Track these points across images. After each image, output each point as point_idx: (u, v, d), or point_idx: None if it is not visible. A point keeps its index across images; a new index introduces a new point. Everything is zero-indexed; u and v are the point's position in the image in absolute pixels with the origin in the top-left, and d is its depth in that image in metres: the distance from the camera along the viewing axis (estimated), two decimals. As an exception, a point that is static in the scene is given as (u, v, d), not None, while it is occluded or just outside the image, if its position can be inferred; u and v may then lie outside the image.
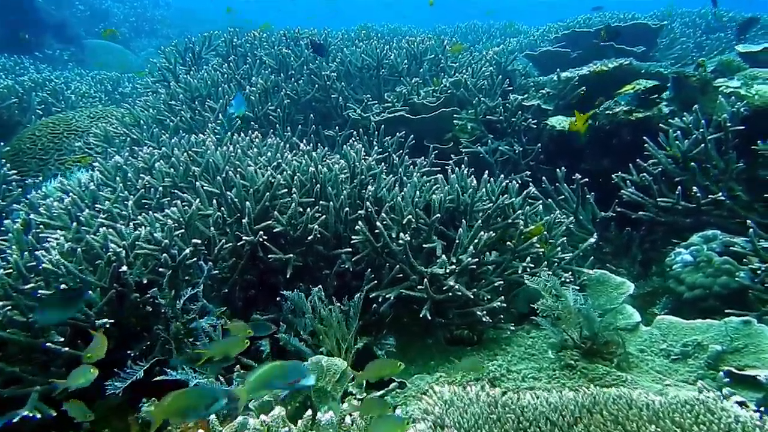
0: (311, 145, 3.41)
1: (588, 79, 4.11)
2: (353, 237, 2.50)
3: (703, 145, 2.76)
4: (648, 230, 3.01)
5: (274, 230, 2.48)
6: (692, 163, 2.77)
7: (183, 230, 2.31)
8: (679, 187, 2.75)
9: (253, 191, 2.56)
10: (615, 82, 3.93)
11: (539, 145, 3.87)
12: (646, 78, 3.81)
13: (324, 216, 2.55)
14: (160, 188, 2.68)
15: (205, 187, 2.56)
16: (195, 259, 2.28)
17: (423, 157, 3.58)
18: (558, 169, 3.24)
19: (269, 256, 2.45)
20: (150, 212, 2.40)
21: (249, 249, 2.46)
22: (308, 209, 2.49)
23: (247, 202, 2.43)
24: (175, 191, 2.68)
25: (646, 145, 3.00)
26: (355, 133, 3.82)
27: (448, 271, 2.39)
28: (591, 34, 5.49)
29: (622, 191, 3.01)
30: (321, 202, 2.64)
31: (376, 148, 3.51)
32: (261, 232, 2.42)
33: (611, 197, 3.19)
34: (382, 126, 3.84)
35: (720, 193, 2.64)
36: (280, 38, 5.01)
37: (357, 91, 4.59)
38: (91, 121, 4.20)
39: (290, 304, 2.41)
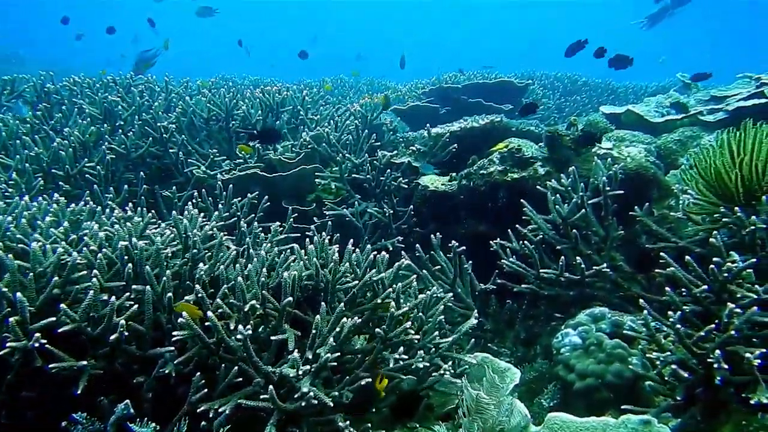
0: (140, 209, 2.87)
1: (459, 136, 4.01)
2: (174, 332, 1.99)
3: (583, 210, 2.65)
4: (530, 304, 2.82)
5: (61, 329, 1.89)
6: (573, 230, 2.64)
7: None
8: (563, 257, 2.59)
9: (35, 275, 1.98)
10: (487, 139, 3.86)
11: (411, 207, 3.65)
12: (517, 136, 3.78)
13: (136, 305, 2.01)
14: None
15: (-40, 272, 1.92)
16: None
17: (279, 223, 3.17)
18: (433, 236, 2.99)
19: (51, 366, 1.85)
20: None
21: (20, 358, 1.84)
22: (113, 297, 1.95)
23: (18, 293, 1.83)
24: None
25: (524, 209, 2.85)
26: (196, 193, 3.33)
27: (301, 372, 1.95)
28: (459, 90, 5.54)
29: (502, 260, 2.81)
30: (135, 286, 2.11)
31: (218, 212, 3.03)
32: (38, 334, 1.82)
33: (491, 265, 3.00)
34: (231, 185, 3.38)
35: (604, 264, 2.51)
36: (107, 84, 4.42)
37: (204, 146, 4.11)
38: None
39: (82, 430, 1.83)
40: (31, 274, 1.96)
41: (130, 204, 3.02)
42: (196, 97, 4.40)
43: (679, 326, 1.84)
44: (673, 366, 1.85)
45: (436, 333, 2.39)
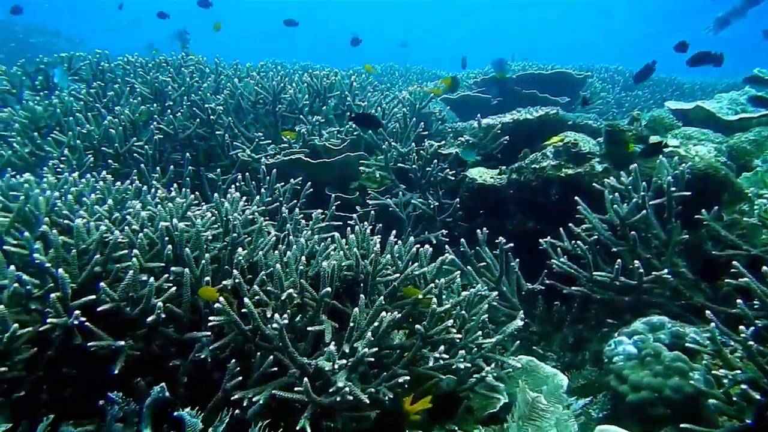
0: (183, 190, 2.88)
1: (511, 128, 3.88)
2: (210, 317, 1.97)
3: (644, 211, 2.50)
4: (580, 307, 2.70)
5: (100, 307, 1.90)
6: (632, 232, 2.50)
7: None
8: (619, 260, 2.46)
9: (78, 252, 1.99)
10: (540, 132, 3.72)
11: (457, 199, 3.55)
12: (574, 130, 3.63)
13: (174, 288, 2.01)
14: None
15: (6, 247, 1.96)
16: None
17: (320, 210, 3.13)
18: (479, 231, 2.89)
19: (90, 344, 1.86)
20: None
21: (60, 335, 1.86)
22: (152, 278, 1.94)
23: (60, 269, 1.84)
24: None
25: (578, 207, 2.72)
26: (240, 177, 3.32)
27: (337, 366, 1.91)
28: (512, 80, 5.38)
29: (552, 260, 2.69)
30: (174, 268, 2.10)
31: (259, 197, 3.01)
32: (78, 312, 1.83)
33: (539, 263, 2.88)
34: (274, 170, 3.36)
35: (665, 270, 2.37)
36: (159, 65, 4.48)
37: (250, 129, 4.12)
38: None
39: (117, 410, 1.85)
40: (74, 250, 1.98)
41: (175, 185, 3.04)
42: (245, 79, 4.41)
43: (751, 343, 1.69)
44: (743, 386, 1.70)
45: (479, 333, 2.31)
